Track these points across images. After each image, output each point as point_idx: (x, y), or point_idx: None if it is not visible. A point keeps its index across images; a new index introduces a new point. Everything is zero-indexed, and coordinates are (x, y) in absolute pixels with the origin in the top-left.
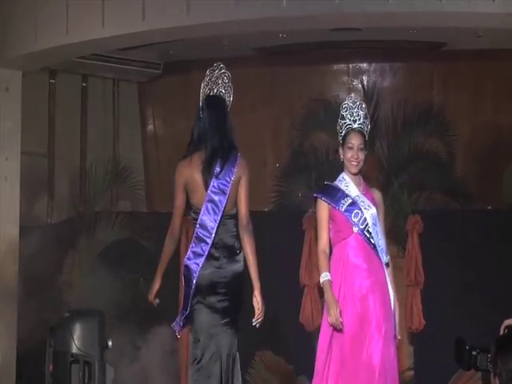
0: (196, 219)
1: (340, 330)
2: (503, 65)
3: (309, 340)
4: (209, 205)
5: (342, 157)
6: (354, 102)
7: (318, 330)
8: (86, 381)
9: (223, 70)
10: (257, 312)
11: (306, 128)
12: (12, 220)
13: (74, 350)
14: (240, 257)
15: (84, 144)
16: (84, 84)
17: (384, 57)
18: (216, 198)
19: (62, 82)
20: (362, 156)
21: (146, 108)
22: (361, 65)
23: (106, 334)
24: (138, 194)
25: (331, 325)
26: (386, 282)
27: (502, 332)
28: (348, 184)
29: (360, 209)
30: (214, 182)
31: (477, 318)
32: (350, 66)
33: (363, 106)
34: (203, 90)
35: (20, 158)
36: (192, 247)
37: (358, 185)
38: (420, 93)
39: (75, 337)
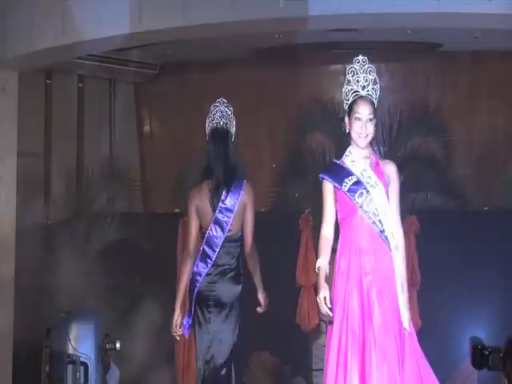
0: (203, 238)
1: (331, 321)
2: (499, 66)
3: (305, 340)
4: (215, 226)
5: (347, 127)
6: (361, 66)
7: (314, 330)
8: (83, 382)
9: (226, 105)
10: (262, 304)
11: (302, 129)
12: (8, 220)
13: (71, 350)
14: (239, 278)
15: (80, 144)
16: (80, 84)
17: (380, 57)
18: (222, 219)
19: (59, 83)
20: (371, 128)
21: (142, 108)
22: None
23: (102, 334)
24: (134, 194)
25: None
26: (393, 272)
27: None
28: (354, 159)
29: (365, 188)
30: (220, 207)
31: (474, 317)
32: (347, 66)
33: (372, 69)
34: (208, 124)
35: (16, 158)
36: (198, 261)
37: (366, 158)
38: (416, 93)
39: (71, 338)
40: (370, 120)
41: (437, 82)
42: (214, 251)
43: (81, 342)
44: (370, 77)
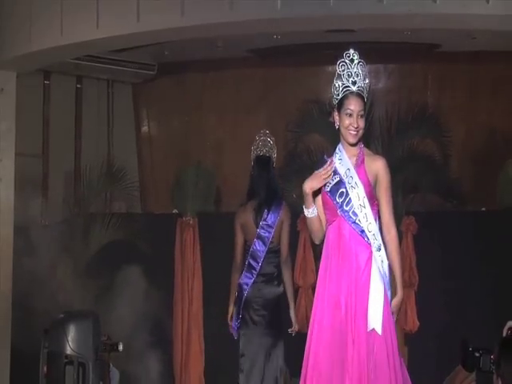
0: (248, 251)
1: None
2: (497, 66)
3: (303, 342)
4: (258, 240)
5: (337, 124)
6: (352, 60)
7: None
8: (80, 382)
9: (268, 135)
10: (293, 324)
11: (300, 129)
12: (6, 221)
13: (69, 351)
14: (278, 281)
15: (78, 145)
16: (78, 85)
17: (378, 58)
18: (264, 235)
19: (57, 84)
20: (361, 124)
21: (140, 109)
22: None
23: (102, 335)
24: (132, 195)
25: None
26: (370, 278)
27: (505, 333)
28: (342, 157)
29: (346, 187)
30: (262, 224)
31: (471, 319)
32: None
33: (363, 64)
34: (253, 152)
35: (14, 159)
36: (244, 272)
37: (353, 156)
38: (414, 94)
39: (69, 338)
40: (361, 116)
41: (435, 83)
42: (258, 263)
43: (79, 343)
44: (361, 71)
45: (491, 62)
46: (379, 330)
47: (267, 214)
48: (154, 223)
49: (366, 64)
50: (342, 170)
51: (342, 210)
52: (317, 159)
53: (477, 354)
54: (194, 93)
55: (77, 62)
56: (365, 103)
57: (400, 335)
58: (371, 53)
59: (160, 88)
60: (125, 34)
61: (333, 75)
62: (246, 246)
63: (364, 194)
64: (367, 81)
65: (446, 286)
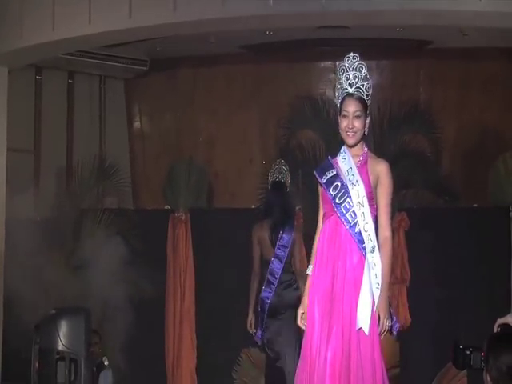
0: (267, 262)
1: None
2: (489, 63)
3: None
4: (275, 259)
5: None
6: (351, 63)
7: None
8: (72, 378)
9: (283, 164)
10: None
11: (292, 125)
12: None
13: (60, 347)
14: (297, 285)
15: (70, 141)
16: (70, 81)
17: (370, 54)
18: (280, 254)
19: (49, 79)
20: (358, 124)
21: (132, 105)
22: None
23: (91, 331)
24: (124, 191)
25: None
26: (361, 273)
27: (495, 330)
28: (345, 156)
29: (343, 183)
30: (278, 245)
31: (462, 315)
32: (337, 63)
33: (363, 66)
34: (270, 177)
35: (6, 154)
36: (264, 288)
37: (356, 156)
38: (406, 91)
39: (61, 334)
40: (358, 117)
41: (426, 79)
42: (276, 278)
43: (70, 339)
44: (360, 74)
45: (482, 59)
46: (366, 331)
47: (282, 234)
48: (146, 219)
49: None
50: (344, 168)
51: (335, 203)
52: (308, 155)
53: (467, 352)
54: (186, 88)
55: (69, 57)
56: (365, 104)
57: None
58: (363, 49)
59: (152, 84)
60: (117, 29)
61: (324, 71)
62: (263, 259)
63: (364, 193)
64: (367, 82)
65: (438, 282)
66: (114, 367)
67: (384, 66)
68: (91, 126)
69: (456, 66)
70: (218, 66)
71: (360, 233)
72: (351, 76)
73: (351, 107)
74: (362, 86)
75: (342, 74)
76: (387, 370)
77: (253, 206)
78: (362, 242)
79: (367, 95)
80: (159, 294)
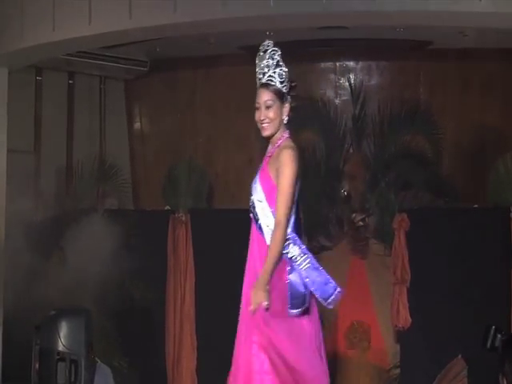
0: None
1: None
2: (489, 64)
3: None
4: None
5: None
6: (265, 50)
7: None
8: (73, 379)
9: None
10: None
11: (292, 126)
12: None
13: (60, 348)
14: None
15: (70, 141)
16: (70, 81)
17: (371, 55)
18: None
19: (49, 80)
20: (272, 114)
21: (132, 106)
22: (348, 63)
23: (92, 331)
24: (124, 191)
25: None
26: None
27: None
28: (268, 149)
29: (255, 179)
30: None
31: (463, 315)
32: (337, 64)
33: (275, 52)
34: None
35: (6, 155)
36: None
37: (273, 145)
38: (406, 91)
39: (61, 335)
40: (270, 107)
41: (426, 80)
42: None
43: (71, 340)
44: (272, 61)
45: (483, 60)
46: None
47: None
48: (147, 220)
49: (358, 61)
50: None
51: (250, 200)
52: (308, 155)
53: (499, 336)
54: (187, 89)
55: (69, 58)
56: (278, 92)
57: (392, 332)
58: (363, 50)
59: (152, 84)
60: (117, 30)
61: (325, 72)
62: None
63: (261, 188)
64: (280, 68)
65: (439, 283)
66: (113, 367)
67: (384, 66)
68: (91, 126)
69: (456, 66)
70: (218, 66)
71: (261, 227)
72: (263, 64)
73: (261, 97)
74: (274, 73)
75: (257, 63)
76: (388, 370)
77: None
78: (263, 234)
79: (281, 82)
80: (160, 295)
